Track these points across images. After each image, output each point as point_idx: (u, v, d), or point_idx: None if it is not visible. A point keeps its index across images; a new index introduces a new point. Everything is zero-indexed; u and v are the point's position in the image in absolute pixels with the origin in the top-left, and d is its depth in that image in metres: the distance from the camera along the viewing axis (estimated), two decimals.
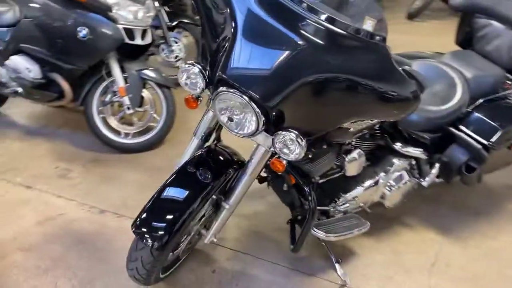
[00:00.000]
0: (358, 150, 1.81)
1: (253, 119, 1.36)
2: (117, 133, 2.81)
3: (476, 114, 2.04)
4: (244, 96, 1.32)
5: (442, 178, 2.17)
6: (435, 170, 2.09)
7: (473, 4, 2.20)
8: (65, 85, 2.67)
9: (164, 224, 1.47)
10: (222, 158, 1.66)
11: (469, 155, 2.01)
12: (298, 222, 1.95)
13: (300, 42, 1.31)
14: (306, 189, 1.67)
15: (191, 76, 1.47)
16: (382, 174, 1.99)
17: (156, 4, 3.15)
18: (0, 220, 2.23)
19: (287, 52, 1.31)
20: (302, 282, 1.93)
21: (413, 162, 2.08)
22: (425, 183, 2.10)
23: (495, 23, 2.22)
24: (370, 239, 2.13)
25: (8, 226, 2.19)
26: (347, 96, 1.38)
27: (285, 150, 1.40)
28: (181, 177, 1.59)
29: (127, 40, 2.59)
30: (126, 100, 2.70)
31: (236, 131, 1.43)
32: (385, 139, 1.99)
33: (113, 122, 2.82)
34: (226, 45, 1.39)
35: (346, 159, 1.79)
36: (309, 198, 1.67)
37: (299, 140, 1.36)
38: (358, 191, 1.94)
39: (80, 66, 2.61)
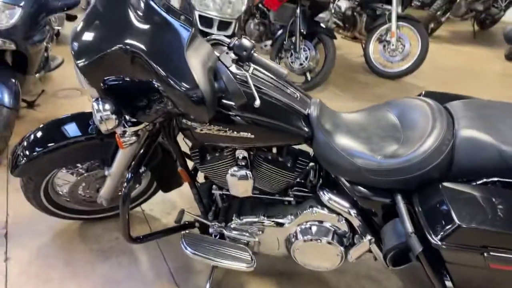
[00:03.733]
0: (245, 171, 1.51)
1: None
2: None
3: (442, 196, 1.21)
4: None
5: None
6: (364, 244, 1.51)
7: None
8: None
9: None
10: None
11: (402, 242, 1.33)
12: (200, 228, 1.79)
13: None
14: (127, 173, 1.56)
15: None
16: (290, 216, 1.59)
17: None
18: None
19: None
20: None
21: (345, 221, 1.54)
22: (349, 256, 1.56)
23: None
24: None
25: None
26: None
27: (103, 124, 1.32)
28: (75, 118, 1.71)
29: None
30: None
31: None
32: (311, 175, 1.59)
33: None
34: None
35: (229, 172, 1.52)
36: (125, 183, 1.55)
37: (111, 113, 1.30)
38: (252, 220, 1.63)
39: None
